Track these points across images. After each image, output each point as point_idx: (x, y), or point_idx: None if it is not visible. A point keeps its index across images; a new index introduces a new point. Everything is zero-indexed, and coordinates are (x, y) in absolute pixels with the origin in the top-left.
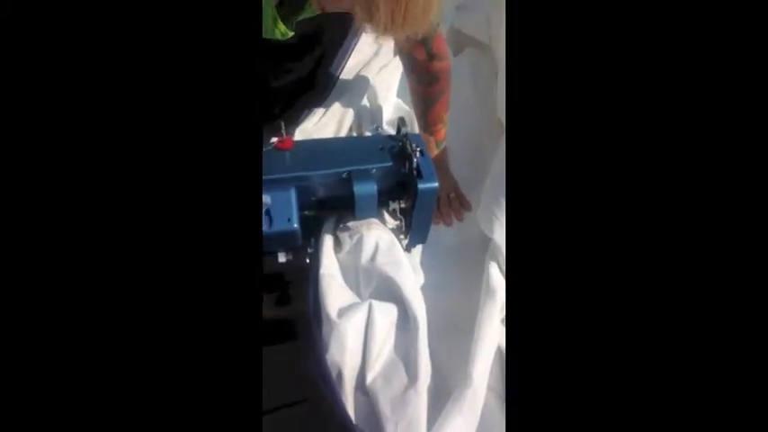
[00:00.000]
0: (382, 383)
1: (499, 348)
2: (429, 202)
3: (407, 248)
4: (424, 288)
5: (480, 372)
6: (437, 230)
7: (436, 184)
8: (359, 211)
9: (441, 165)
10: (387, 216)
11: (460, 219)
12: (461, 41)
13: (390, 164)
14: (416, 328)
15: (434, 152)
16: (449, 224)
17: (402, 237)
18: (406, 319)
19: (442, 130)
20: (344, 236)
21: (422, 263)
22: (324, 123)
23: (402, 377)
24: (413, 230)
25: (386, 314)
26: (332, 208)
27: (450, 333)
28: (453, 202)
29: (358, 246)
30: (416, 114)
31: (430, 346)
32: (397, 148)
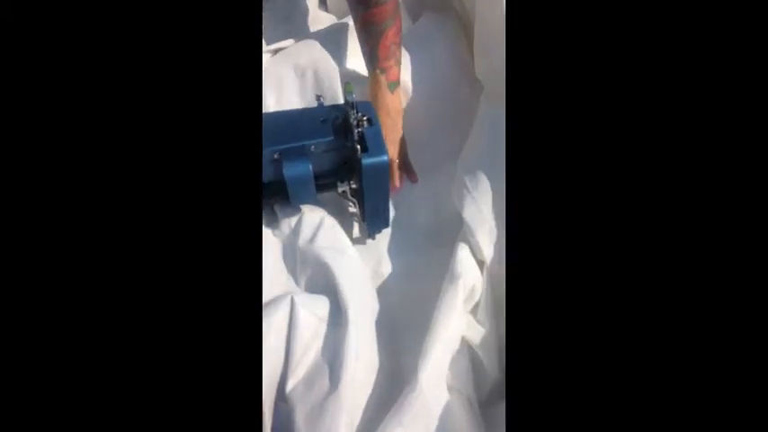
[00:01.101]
0: (303, 391)
1: (466, 342)
2: (378, 180)
3: (371, 235)
4: (392, 278)
5: (431, 372)
6: (410, 211)
7: (385, 158)
8: (294, 197)
9: (392, 126)
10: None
11: (397, 189)
12: (419, 2)
13: (330, 138)
14: (346, 325)
15: (386, 97)
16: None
17: (365, 223)
18: (339, 315)
19: (395, 69)
20: (285, 216)
21: (390, 250)
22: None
23: (324, 383)
24: (368, 214)
25: (312, 309)
26: (267, 196)
27: (417, 329)
28: (398, 170)
29: (298, 226)
30: (364, 49)
31: (392, 344)
32: (341, 118)
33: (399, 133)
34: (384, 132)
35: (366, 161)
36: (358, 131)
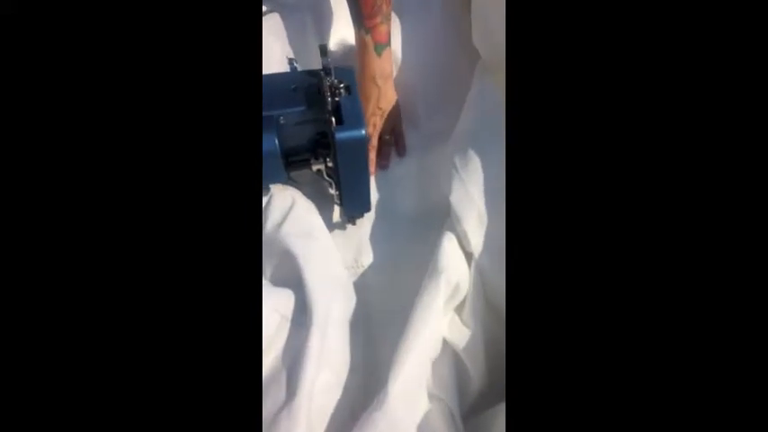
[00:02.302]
0: None
1: (449, 345)
2: (354, 157)
3: (350, 220)
4: (372, 269)
5: (404, 382)
6: (396, 194)
7: (362, 132)
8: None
9: (379, 94)
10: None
11: (384, 165)
12: None
13: (302, 108)
14: (310, 326)
15: (373, 61)
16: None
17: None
18: (305, 313)
19: (383, 28)
20: None
21: (372, 237)
22: None
23: (280, 392)
24: (345, 196)
25: (274, 306)
26: None
27: (397, 328)
28: (385, 145)
29: (266, 209)
30: (349, 5)
31: (368, 345)
32: (316, 87)
33: (390, 102)
34: (369, 102)
35: (340, 135)
36: (333, 101)
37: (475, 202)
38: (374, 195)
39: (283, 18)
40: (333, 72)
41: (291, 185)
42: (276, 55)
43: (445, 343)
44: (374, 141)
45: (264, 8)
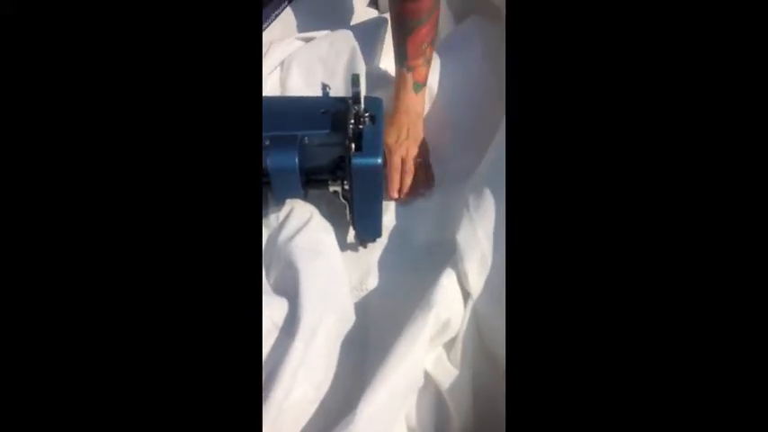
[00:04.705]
0: None
1: (432, 382)
2: (369, 184)
3: (362, 243)
4: (375, 293)
5: (375, 409)
6: (411, 225)
7: (378, 161)
8: (276, 189)
9: (409, 125)
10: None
11: (422, 192)
12: (467, 4)
13: (327, 131)
14: (293, 336)
15: (409, 97)
16: (392, 197)
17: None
18: (294, 324)
19: (424, 69)
20: (276, 208)
21: (381, 262)
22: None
23: None
24: (357, 220)
25: (267, 312)
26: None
27: (386, 357)
28: (420, 169)
29: (285, 221)
30: (394, 44)
31: (360, 365)
32: (343, 113)
33: (419, 135)
34: (401, 130)
35: (357, 161)
36: (356, 128)
37: (480, 244)
38: (391, 222)
39: (328, 43)
40: (362, 101)
41: (310, 203)
42: (317, 77)
43: (429, 380)
44: (409, 165)
45: (316, 34)
